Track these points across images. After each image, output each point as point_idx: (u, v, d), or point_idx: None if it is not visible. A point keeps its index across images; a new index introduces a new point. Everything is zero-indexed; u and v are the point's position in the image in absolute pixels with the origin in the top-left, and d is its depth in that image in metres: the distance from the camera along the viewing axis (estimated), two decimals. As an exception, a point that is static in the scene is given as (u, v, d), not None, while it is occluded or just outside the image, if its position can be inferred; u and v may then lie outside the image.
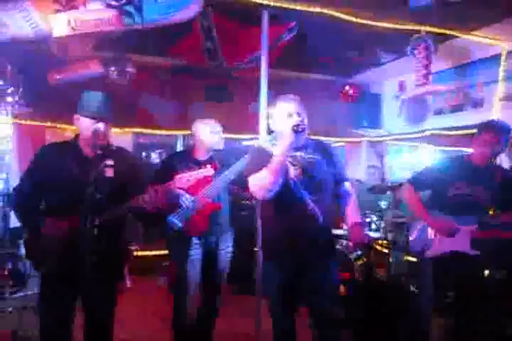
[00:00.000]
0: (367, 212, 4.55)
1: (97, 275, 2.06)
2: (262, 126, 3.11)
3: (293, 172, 2.23)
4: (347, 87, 6.10)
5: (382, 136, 6.20)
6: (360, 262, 4.43)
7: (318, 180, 2.22)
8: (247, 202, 4.32)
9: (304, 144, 2.33)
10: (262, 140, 2.93)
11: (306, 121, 2.28)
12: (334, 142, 6.47)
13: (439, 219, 2.67)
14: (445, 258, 2.66)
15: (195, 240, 2.85)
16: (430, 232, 2.74)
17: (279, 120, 2.29)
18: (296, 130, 2.14)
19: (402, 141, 5.97)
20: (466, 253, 2.63)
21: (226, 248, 2.97)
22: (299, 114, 2.26)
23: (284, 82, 5.43)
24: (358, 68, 5.79)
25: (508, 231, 2.60)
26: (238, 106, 5.38)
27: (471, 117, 4.80)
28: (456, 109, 5.11)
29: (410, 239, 2.85)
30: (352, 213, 2.37)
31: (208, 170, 2.34)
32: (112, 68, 4.24)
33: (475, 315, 2.66)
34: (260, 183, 2.16)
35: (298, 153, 2.29)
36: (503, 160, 4.28)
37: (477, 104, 4.87)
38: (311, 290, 2.24)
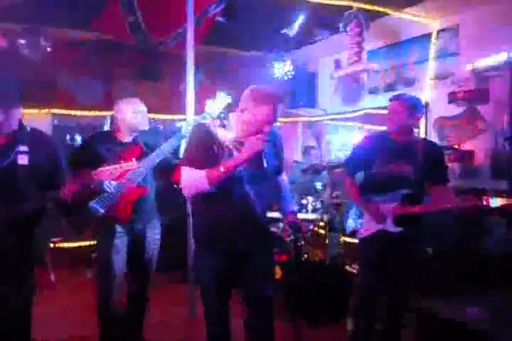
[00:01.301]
0: (303, 193, 4.60)
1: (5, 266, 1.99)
2: (190, 107, 3.05)
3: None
4: (281, 65, 6.08)
5: (319, 116, 6.28)
6: (295, 246, 4.50)
7: (265, 169, 2.14)
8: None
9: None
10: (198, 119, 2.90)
11: None
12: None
13: (372, 207, 2.74)
14: (373, 238, 2.73)
15: (119, 228, 2.77)
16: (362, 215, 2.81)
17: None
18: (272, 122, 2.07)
19: (338, 121, 6.09)
20: (391, 231, 2.70)
21: (153, 235, 2.91)
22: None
23: (215, 58, 5.36)
24: (292, 45, 5.80)
25: (427, 205, 2.67)
26: (169, 85, 5.28)
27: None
28: (390, 87, 5.24)
29: (349, 220, 2.93)
30: (287, 201, 2.41)
31: (131, 165, 2.30)
32: (22, 41, 3.94)
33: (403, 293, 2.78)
34: (192, 184, 2.08)
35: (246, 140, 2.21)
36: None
37: (409, 83, 5.02)
38: (247, 277, 2.26)
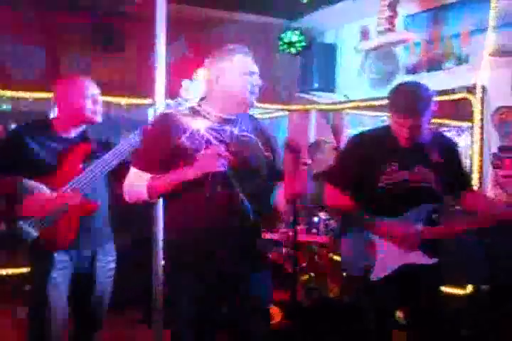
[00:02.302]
0: (314, 207, 4.58)
1: None
2: (159, 89, 3.07)
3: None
4: (289, 34, 6.06)
5: (338, 103, 6.24)
6: (305, 277, 4.46)
7: (253, 166, 2.27)
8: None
9: (234, 117, 2.37)
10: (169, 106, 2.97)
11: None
12: (274, 111, 6.44)
13: (394, 229, 2.67)
14: (392, 278, 2.66)
15: (59, 255, 2.74)
16: (372, 244, 2.73)
17: (232, 78, 2.32)
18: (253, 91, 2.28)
19: (364, 110, 6.05)
20: (421, 264, 2.66)
21: (106, 264, 2.90)
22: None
23: (203, 23, 5.33)
24: (305, 8, 5.78)
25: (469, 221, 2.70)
26: (138, 57, 5.30)
27: (455, 77, 4.88)
28: (434, 66, 5.19)
29: (342, 256, 2.90)
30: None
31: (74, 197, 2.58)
32: None
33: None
34: (131, 192, 2.32)
35: (227, 127, 2.32)
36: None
37: (461, 59, 4.96)
38: (235, 310, 2.34)
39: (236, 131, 2.34)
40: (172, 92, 3.25)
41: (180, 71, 3.49)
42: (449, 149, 2.86)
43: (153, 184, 2.24)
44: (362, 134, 2.95)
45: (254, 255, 2.37)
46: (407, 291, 2.70)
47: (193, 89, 2.91)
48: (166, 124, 2.29)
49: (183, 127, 2.26)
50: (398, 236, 2.66)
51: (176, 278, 2.34)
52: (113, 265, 2.95)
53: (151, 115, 3.28)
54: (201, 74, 2.93)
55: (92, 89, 2.85)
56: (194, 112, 2.35)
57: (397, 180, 2.70)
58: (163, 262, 2.89)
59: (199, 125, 2.27)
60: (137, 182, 2.26)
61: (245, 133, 2.36)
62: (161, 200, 2.92)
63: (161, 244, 3.24)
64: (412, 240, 2.65)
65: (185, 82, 2.98)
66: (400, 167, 2.70)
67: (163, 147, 2.24)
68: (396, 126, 2.68)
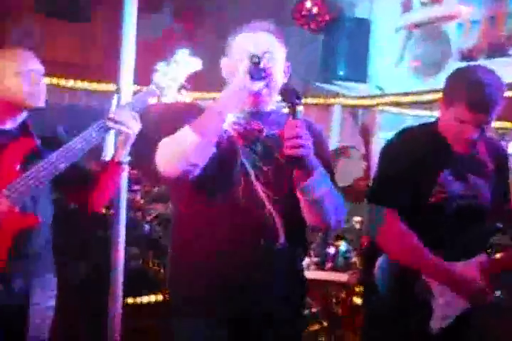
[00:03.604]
0: (330, 235, 4.60)
1: None
2: (126, 71, 3.11)
3: (242, 155, 2.33)
4: (309, 5, 6.10)
5: (370, 97, 6.30)
6: (314, 327, 4.46)
7: (287, 173, 2.27)
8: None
9: (264, 111, 2.42)
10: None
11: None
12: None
13: (458, 267, 2.72)
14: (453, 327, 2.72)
15: None
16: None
17: (234, 64, 2.38)
18: (255, 74, 2.24)
19: (405, 107, 6.08)
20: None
21: (44, 300, 2.92)
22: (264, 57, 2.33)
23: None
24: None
25: None
26: (99, 30, 5.34)
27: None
28: (496, 50, 5.23)
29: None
30: None
31: None
32: None
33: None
34: (177, 151, 2.22)
35: (255, 125, 2.38)
36: None
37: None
38: None
39: (265, 129, 2.39)
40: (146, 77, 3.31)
41: (161, 49, 3.53)
42: (502, 157, 2.93)
43: (196, 120, 2.22)
44: (407, 131, 2.97)
45: (290, 290, 2.43)
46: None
47: (171, 74, 2.94)
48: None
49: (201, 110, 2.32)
50: (458, 289, 2.72)
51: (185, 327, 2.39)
52: (52, 302, 2.95)
53: (114, 105, 3.30)
54: (184, 54, 3.00)
55: (31, 65, 2.87)
56: None
57: (453, 194, 2.73)
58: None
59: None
60: (174, 138, 2.24)
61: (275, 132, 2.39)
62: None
63: (121, 278, 3.29)
64: (475, 291, 2.72)
65: (160, 65, 2.99)
66: (455, 178, 2.74)
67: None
68: (453, 124, 2.69)
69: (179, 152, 2.20)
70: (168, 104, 2.91)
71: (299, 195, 2.24)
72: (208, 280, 2.31)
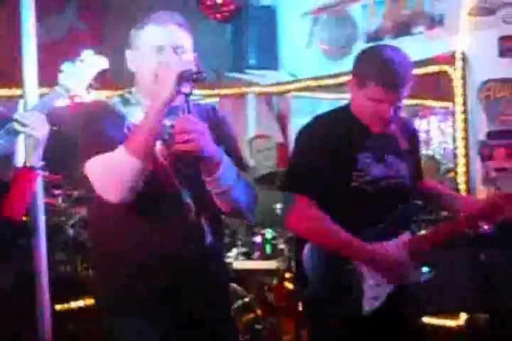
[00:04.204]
0: (256, 223, 4.62)
1: None
2: (29, 73, 3.02)
3: (160, 152, 2.30)
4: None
5: (282, 83, 6.30)
6: (249, 316, 4.46)
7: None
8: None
9: (179, 105, 2.35)
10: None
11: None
12: (199, 97, 6.43)
13: (379, 247, 2.73)
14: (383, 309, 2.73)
15: None
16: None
17: (142, 57, 2.37)
18: (192, 78, 2.16)
19: (317, 92, 6.11)
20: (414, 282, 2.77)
21: None
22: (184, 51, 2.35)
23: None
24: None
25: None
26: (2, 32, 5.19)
27: (426, 45, 5.04)
28: (402, 30, 5.31)
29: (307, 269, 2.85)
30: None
31: None
32: None
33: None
34: (115, 176, 2.17)
35: (167, 122, 2.32)
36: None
37: (434, 21, 5.08)
38: None
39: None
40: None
41: (65, 49, 3.47)
42: (413, 134, 3.01)
43: (129, 139, 2.17)
44: (319, 118, 2.96)
45: (217, 287, 2.46)
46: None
47: (78, 74, 2.90)
48: (103, 111, 2.35)
49: (121, 117, 2.33)
50: (382, 269, 2.73)
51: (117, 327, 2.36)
52: None
53: (21, 109, 3.23)
54: (90, 53, 2.95)
55: None
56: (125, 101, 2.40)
57: (374, 177, 2.75)
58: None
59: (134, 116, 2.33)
60: (108, 161, 2.18)
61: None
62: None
63: (46, 284, 3.24)
64: (400, 270, 2.73)
65: (66, 65, 2.95)
66: (374, 159, 2.76)
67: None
68: (367, 105, 2.71)
69: (118, 177, 2.16)
70: (79, 104, 2.86)
71: (207, 187, 2.24)
72: (139, 281, 2.30)
